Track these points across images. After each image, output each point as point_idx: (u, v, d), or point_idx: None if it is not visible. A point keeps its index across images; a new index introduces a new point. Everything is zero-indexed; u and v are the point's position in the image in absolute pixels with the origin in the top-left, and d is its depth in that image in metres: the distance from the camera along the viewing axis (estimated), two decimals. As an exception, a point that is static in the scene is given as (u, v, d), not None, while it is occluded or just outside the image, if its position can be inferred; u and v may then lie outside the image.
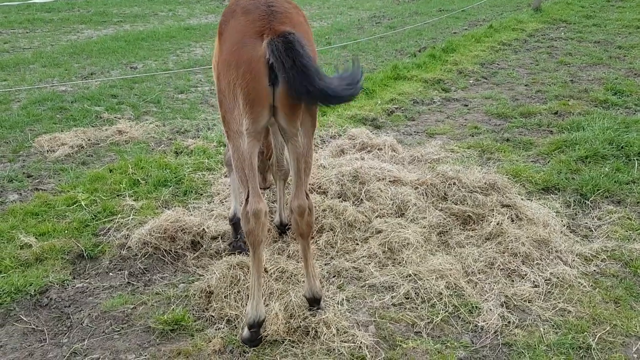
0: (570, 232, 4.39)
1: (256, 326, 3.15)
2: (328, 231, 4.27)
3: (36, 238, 4.16)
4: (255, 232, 3.02)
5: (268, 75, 2.77)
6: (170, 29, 13.43)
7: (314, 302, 3.38)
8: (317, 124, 3.22)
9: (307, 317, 3.31)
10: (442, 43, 11.09)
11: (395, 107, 7.42)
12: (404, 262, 3.92)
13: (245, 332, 3.18)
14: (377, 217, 4.43)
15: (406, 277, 3.76)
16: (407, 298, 3.61)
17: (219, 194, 4.93)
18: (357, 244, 4.17)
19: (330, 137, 6.21)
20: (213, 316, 3.41)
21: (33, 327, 3.36)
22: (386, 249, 4.06)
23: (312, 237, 3.26)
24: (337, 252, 4.09)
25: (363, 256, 4.02)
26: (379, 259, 3.98)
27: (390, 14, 16.21)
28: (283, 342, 3.20)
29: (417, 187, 4.76)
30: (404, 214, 4.47)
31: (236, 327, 3.31)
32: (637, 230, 4.37)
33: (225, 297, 3.51)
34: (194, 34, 12.94)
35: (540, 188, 5.08)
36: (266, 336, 3.22)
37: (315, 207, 4.34)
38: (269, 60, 2.72)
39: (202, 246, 4.14)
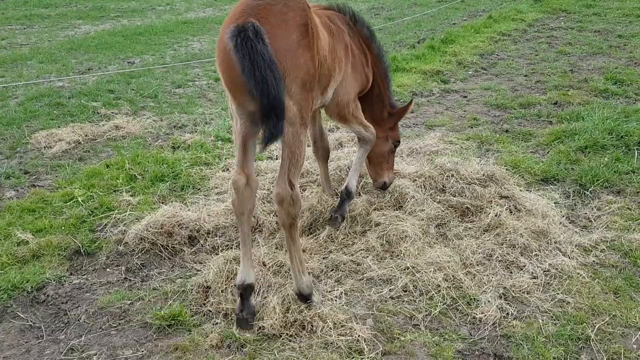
0: (570, 223, 4.36)
1: (242, 289, 3.24)
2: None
3: (33, 234, 4.15)
4: (235, 202, 3.25)
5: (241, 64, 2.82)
6: (167, 23, 13.38)
7: (301, 298, 3.35)
8: (308, 116, 3.20)
9: (304, 311, 3.30)
10: (441, 34, 11.04)
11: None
12: (402, 254, 3.90)
13: (238, 302, 3.25)
14: (374, 210, 4.41)
15: (404, 269, 3.75)
16: (405, 291, 3.59)
17: (216, 188, 4.91)
18: (356, 237, 4.15)
19: (329, 131, 6.18)
20: (210, 311, 3.40)
21: (30, 323, 3.35)
22: (384, 242, 4.04)
23: (294, 228, 3.23)
24: (336, 246, 4.07)
25: (361, 249, 4.00)
26: (377, 252, 3.96)
27: (389, 5, 16.13)
28: (281, 336, 3.19)
29: (415, 180, 4.73)
30: (402, 206, 4.44)
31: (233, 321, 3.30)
32: (636, 220, 4.34)
33: (222, 291, 3.50)
34: (192, 28, 12.89)
35: (540, 179, 5.05)
36: (263, 328, 3.21)
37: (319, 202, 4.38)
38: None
39: (199, 241, 4.12)
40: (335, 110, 3.95)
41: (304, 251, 3.89)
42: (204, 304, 3.46)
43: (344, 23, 3.96)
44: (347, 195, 4.19)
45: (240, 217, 3.27)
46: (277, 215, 4.32)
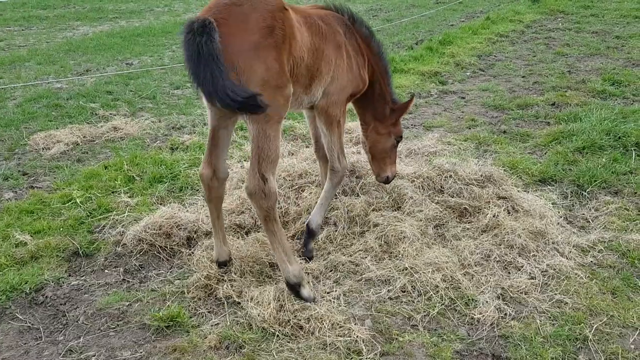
0: (567, 224, 4.37)
1: (218, 264, 3.75)
2: (331, 225, 4.27)
3: (31, 236, 4.15)
4: (204, 192, 3.64)
5: None
6: (166, 24, 13.39)
7: (289, 287, 3.43)
8: (277, 114, 3.26)
9: (303, 311, 3.31)
10: (439, 35, 11.05)
11: (392, 100, 7.39)
12: (400, 255, 3.90)
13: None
14: (373, 210, 4.41)
15: (402, 270, 3.75)
16: (404, 291, 3.60)
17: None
18: (354, 238, 4.16)
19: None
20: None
21: (29, 325, 3.35)
22: (382, 243, 4.04)
23: (269, 221, 3.32)
24: (335, 247, 4.07)
25: (360, 250, 4.01)
26: (376, 253, 3.96)
27: (387, 6, 16.16)
28: (279, 336, 3.19)
29: (413, 180, 4.74)
30: (400, 207, 4.45)
31: (235, 320, 3.31)
32: (634, 221, 4.35)
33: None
34: (190, 30, 12.87)
35: (537, 180, 5.06)
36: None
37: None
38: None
39: (197, 242, 4.12)
40: (324, 109, 3.86)
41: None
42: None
43: (340, 24, 3.95)
44: (307, 233, 3.98)
45: (209, 204, 3.68)
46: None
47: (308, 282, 3.54)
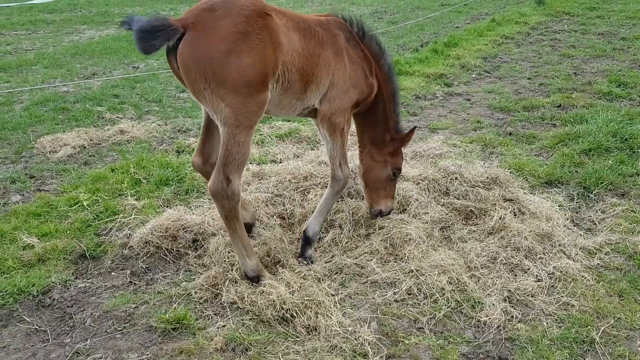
0: (574, 226, 4.36)
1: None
2: (337, 228, 4.27)
3: (38, 239, 4.17)
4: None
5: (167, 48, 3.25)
6: (171, 28, 13.41)
7: (247, 279, 3.64)
8: (251, 120, 3.31)
9: (309, 313, 3.31)
10: (445, 37, 11.04)
11: (397, 103, 7.38)
12: (406, 257, 3.90)
13: None
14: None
15: (408, 272, 3.75)
16: (410, 294, 3.59)
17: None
18: (360, 241, 4.16)
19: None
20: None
21: (36, 327, 3.37)
22: (388, 245, 4.04)
23: (230, 220, 3.49)
24: (340, 249, 4.07)
25: (365, 252, 4.01)
26: (381, 255, 3.96)
27: (392, 9, 16.16)
28: (285, 338, 3.20)
29: (419, 183, 4.74)
30: (405, 209, 4.45)
31: (241, 321, 3.32)
32: (641, 223, 4.33)
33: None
34: (196, 33, 12.91)
35: (544, 182, 5.05)
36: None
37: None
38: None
39: (203, 245, 4.13)
40: (327, 116, 3.80)
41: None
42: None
43: (343, 29, 3.88)
44: (304, 240, 3.94)
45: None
46: (278, 217, 4.40)
47: (265, 272, 3.70)
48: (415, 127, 4.41)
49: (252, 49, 3.20)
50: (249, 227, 3.81)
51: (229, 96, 3.21)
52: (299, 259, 3.93)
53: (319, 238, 4.19)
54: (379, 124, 4.19)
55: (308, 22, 3.69)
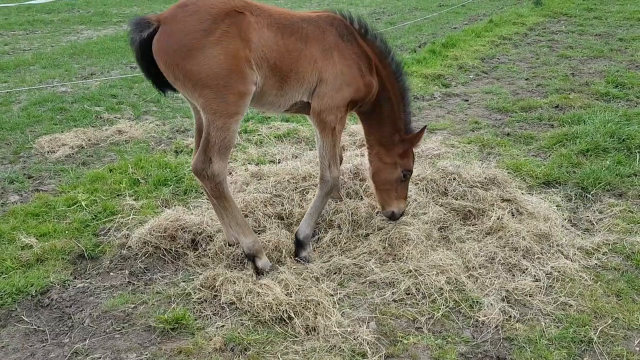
0: (572, 226, 4.37)
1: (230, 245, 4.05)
2: (336, 228, 4.27)
3: (37, 239, 4.17)
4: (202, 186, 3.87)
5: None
6: (170, 28, 13.40)
7: (246, 257, 3.79)
8: (227, 110, 3.44)
9: (307, 314, 3.31)
10: (442, 38, 11.06)
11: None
12: (404, 257, 3.91)
13: None
14: (377, 213, 4.42)
15: (407, 272, 3.75)
16: (408, 294, 3.60)
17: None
18: (358, 241, 4.17)
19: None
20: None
21: (35, 327, 3.37)
22: (387, 245, 4.05)
23: (219, 199, 3.66)
24: (339, 249, 4.08)
25: (364, 253, 4.01)
26: (380, 255, 3.97)
27: (390, 9, 16.18)
28: (284, 338, 3.20)
29: (417, 183, 4.75)
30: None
31: (240, 322, 3.32)
32: (638, 223, 4.35)
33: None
34: (194, 33, 12.90)
35: (541, 182, 5.06)
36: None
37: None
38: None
39: (202, 245, 4.13)
40: (316, 112, 3.76)
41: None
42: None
43: (338, 25, 3.81)
44: (296, 244, 3.95)
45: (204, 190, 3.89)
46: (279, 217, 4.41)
47: (263, 254, 3.81)
48: (425, 126, 4.29)
49: (215, 44, 3.37)
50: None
51: (198, 87, 3.41)
52: (295, 259, 3.94)
53: (318, 238, 4.20)
54: (386, 125, 4.10)
55: (291, 19, 3.68)
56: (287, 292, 3.50)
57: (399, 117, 4.10)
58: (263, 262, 3.77)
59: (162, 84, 3.67)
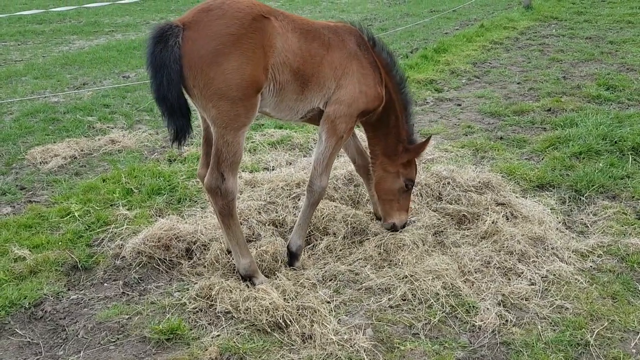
0: (566, 229, 4.38)
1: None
2: (331, 235, 4.25)
3: (30, 250, 4.13)
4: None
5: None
6: (162, 37, 13.39)
7: (242, 278, 3.72)
8: (238, 121, 3.38)
9: (304, 321, 3.30)
10: (434, 44, 11.10)
11: (388, 109, 7.40)
12: (400, 263, 3.90)
13: None
14: (372, 219, 4.41)
15: (402, 278, 3.75)
16: (404, 299, 3.59)
17: (213, 200, 4.91)
18: (354, 247, 4.16)
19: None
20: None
21: (28, 340, 3.33)
22: (382, 251, 4.04)
23: (225, 217, 3.59)
24: (334, 256, 4.07)
25: (359, 259, 4.01)
26: (375, 261, 3.96)
27: (382, 16, 16.25)
28: (280, 347, 3.18)
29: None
30: (399, 215, 4.44)
31: (235, 331, 3.30)
32: (632, 225, 4.36)
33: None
34: (186, 42, 12.90)
35: (535, 185, 5.08)
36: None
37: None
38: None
39: (196, 254, 4.11)
40: (330, 118, 3.75)
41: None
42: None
43: (355, 35, 3.89)
44: (289, 255, 3.95)
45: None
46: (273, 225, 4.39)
47: (259, 274, 3.76)
48: (431, 135, 4.30)
49: (241, 53, 3.28)
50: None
51: (215, 97, 3.31)
52: (289, 267, 3.94)
53: (313, 246, 4.19)
54: (391, 135, 4.13)
55: (314, 25, 3.72)
56: (284, 298, 3.49)
57: (402, 128, 4.14)
58: (260, 281, 3.70)
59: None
